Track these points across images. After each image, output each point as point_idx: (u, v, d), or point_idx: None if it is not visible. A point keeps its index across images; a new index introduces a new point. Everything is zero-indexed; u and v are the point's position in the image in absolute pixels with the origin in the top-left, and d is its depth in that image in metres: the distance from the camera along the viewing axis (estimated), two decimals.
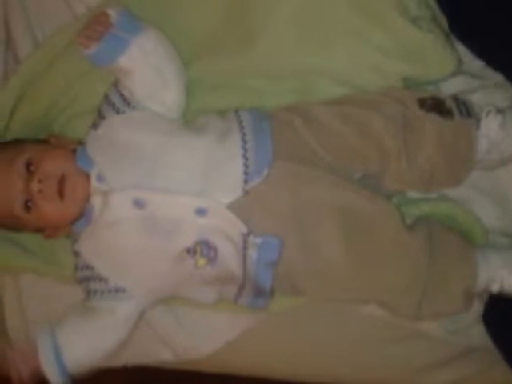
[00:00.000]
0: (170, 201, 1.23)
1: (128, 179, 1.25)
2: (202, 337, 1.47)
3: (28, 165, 1.27)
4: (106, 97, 1.34)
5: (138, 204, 1.23)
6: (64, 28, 1.41)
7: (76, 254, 1.34)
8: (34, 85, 1.41)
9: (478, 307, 1.35)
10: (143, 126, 1.30)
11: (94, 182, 1.28)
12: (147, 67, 1.28)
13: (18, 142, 1.35)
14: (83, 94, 1.43)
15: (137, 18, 1.29)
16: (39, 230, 1.36)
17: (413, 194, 1.37)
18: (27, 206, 1.27)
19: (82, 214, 1.30)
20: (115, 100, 1.32)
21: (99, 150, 1.30)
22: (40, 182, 1.26)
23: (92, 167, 1.29)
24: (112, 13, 1.26)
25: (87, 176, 1.29)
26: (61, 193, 1.26)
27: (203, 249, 1.22)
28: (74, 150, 1.33)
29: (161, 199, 1.23)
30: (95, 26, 1.25)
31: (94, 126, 1.33)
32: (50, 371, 1.27)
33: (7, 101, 1.41)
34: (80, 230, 1.31)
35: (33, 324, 1.50)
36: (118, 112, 1.32)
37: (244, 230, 1.20)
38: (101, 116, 1.33)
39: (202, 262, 1.23)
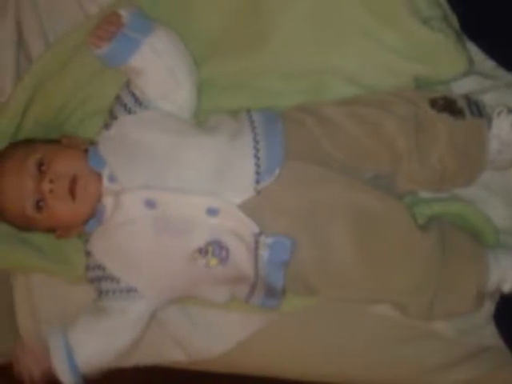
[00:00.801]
0: (181, 200, 1.24)
1: (139, 179, 1.25)
2: (214, 337, 1.47)
3: (39, 165, 1.28)
4: (118, 97, 1.35)
5: (150, 204, 1.24)
6: (76, 28, 1.42)
7: (87, 253, 1.35)
8: (45, 85, 1.42)
9: (489, 307, 1.35)
10: (155, 125, 1.30)
11: (105, 182, 1.29)
12: (159, 67, 1.28)
13: (29, 142, 1.37)
14: (95, 94, 1.44)
15: (148, 17, 1.30)
16: (51, 230, 1.37)
17: (424, 193, 1.37)
18: (38, 205, 1.28)
19: (94, 214, 1.31)
20: (127, 100, 1.33)
21: (111, 150, 1.30)
22: (51, 181, 1.26)
23: (104, 167, 1.29)
24: (123, 13, 1.27)
25: (99, 176, 1.30)
26: (72, 193, 1.27)
27: (215, 249, 1.23)
28: (86, 150, 1.34)
29: (172, 199, 1.24)
30: (107, 26, 1.26)
31: (106, 126, 1.34)
32: (62, 371, 1.28)
33: (19, 100, 1.41)
34: (91, 230, 1.32)
35: (44, 324, 1.50)
36: (129, 112, 1.32)
37: (256, 229, 1.21)
38: (113, 116, 1.34)
39: (213, 261, 1.23)
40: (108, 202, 1.29)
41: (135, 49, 1.26)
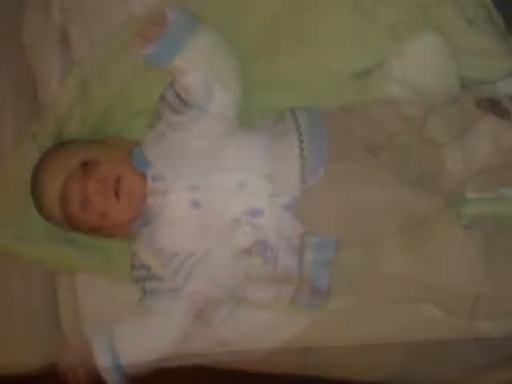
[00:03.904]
0: (226, 200, 1.27)
1: (184, 180, 1.28)
2: (260, 336, 1.46)
3: (84, 165, 1.32)
4: (163, 97, 1.38)
5: (195, 204, 1.27)
6: (120, 28, 1.45)
7: (133, 253, 1.39)
8: (90, 85, 1.46)
9: None
10: (199, 125, 1.32)
11: (150, 182, 1.32)
12: (204, 67, 1.32)
13: (74, 143, 1.42)
14: (139, 94, 1.47)
15: (194, 17, 1.32)
16: (95, 230, 1.40)
17: (470, 194, 1.35)
18: (83, 205, 1.32)
19: (139, 214, 1.33)
20: (172, 100, 1.36)
21: (155, 151, 1.34)
22: (96, 182, 1.30)
23: (148, 168, 1.32)
24: (168, 13, 1.30)
25: (144, 176, 1.32)
26: (117, 193, 1.30)
27: (260, 249, 1.26)
28: (130, 151, 1.36)
29: (217, 199, 1.27)
30: (152, 27, 1.29)
31: (151, 126, 1.37)
32: (107, 371, 1.31)
33: (64, 101, 1.45)
34: (137, 230, 1.35)
35: (88, 324, 1.53)
36: (174, 112, 1.36)
37: (301, 230, 1.24)
38: (157, 116, 1.38)
39: (258, 261, 1.26)
40: (153, 202, 1.31)
41: (180, 49, 1.29)
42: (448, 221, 1.26)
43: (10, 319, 1.52)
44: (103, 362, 1.31)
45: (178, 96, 1.35)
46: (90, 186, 1.30)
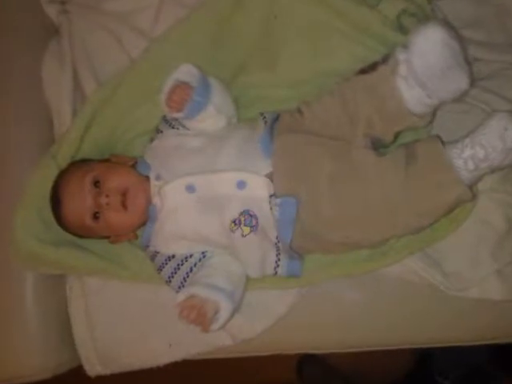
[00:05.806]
0: (215, 179, 1.38)
1: (180, 171, 1.41)
2: (255, 314, 1.53)
3: (95, 182, 1.45)
4: (164, 117, 1.54)
5: (190, 188, 1.40)
6: (122, 70, 1.61)
7: (153, 256, 1.48)
8: (99, 113, 1.59)
9: None
10: (192, 135, 1.48)
11: (153, 181, 1.46)
12: (214, 115, 1.47)
13: (85, 162, 1.54)
14: (143, 118, 1.60)
15: (204, 77, 1.46)
16: (105, 237, 1.54)
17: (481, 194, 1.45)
18: (96, 216, 1.46)
19: (147, 217, 1.47)
20: (171, 121, 1.52)
21: (154, 156, 1.49)
22: (107, 196, 1.43)
23: (150, 170, 1.47)
24: (190, 81, 1.44)
25: (147, 180, 1.47)
26: (124, 204, 1.44)
27: (246, 218, 1.36)
28: (133, 165, 1.51)
29: (208, 180, 1.39)
30: (178, 93, 1.43)
31: (151, 140, 1.52)
32: None
33: (78, 127, 1.57)
34: (150, 233, 1.47)
35: (99, 331, 1.62)
36: (172, 128, 1.51)
37: (271, 192, 1.36)
38: (158, 131, 1.52)
39: (246, 230, 1.36)
40: (157, 200, 1.44)
41: (203, 108, 1.43)
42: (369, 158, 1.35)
43: (24, 328, 1.60)
44: None
45: (177, 120, 1.49)
46: (102, 201, 1.42)
